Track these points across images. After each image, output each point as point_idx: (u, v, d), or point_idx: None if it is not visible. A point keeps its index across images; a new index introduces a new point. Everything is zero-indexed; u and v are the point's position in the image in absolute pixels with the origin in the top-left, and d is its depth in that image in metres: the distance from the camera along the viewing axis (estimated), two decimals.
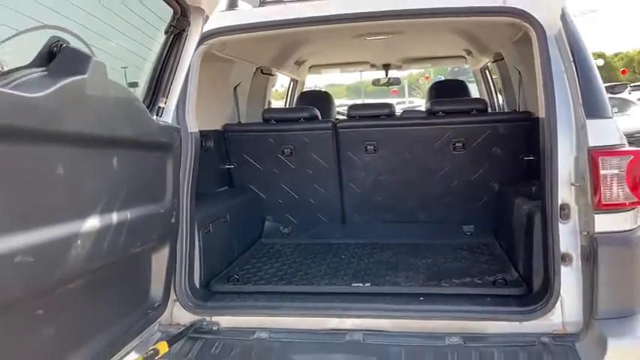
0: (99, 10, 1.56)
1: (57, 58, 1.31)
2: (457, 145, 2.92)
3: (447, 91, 3.83)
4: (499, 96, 4.17)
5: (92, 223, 1.39)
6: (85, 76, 1.30)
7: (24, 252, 1.12)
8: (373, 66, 5.07)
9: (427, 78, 21.92)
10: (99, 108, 1.39)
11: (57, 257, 1.26)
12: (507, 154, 2.86)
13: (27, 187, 1.16)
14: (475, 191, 2.96)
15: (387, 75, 5.06)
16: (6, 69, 1.21)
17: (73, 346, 1.41)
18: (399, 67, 5.06)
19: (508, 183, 2.82)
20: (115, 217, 1.50)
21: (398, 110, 3.71)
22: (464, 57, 4.49)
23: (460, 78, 5.70)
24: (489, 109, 4.45)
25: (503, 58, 3.47)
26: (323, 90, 5.42)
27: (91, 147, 1.39)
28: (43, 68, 1.27)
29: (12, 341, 1.18)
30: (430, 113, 3.02)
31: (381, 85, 5.35)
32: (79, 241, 1.32)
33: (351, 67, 5.38)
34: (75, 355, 1.40)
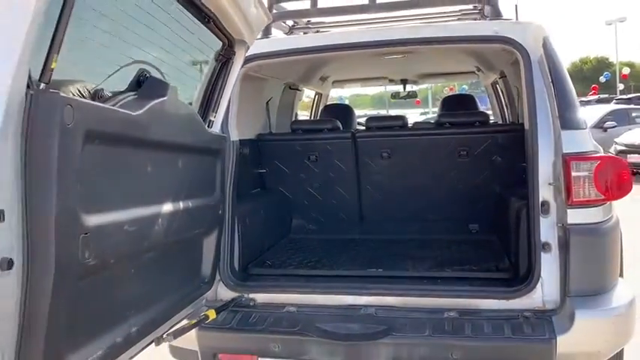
0: (169, 47, 2.03)
1: (144, 85, 1.77)
2: (462, 153, 3.30)
3: (456, 104, 4.22)
4: (506, 109, 4.55)
5: (167, 207, 1.85)
6: (164, 98, 1.76)
7: (129, 223, 1.58)
8: (392, 81, 5.50)
9: (452, 89, 22.23)
10: (173, 122, 1.86)
11: (146, 229, 1.71)
12: (506, 161, 3.22)
13: (129, 177, 1.62)
14: (479, 193, 3.33)
15: (404, 89, 5.48)
16: (109, 94, 1.67)
17: (148, 300, 1.85)
18: (415, 82, 5.47)
19: (507, 186, 3.17)
20: (181, 204, 1.96)
21: (411, 122, 4.11)
22: (475, 73, 4.87)
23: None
24: (500, 121, 4.83)
25: (506, 76, 3.86)
26: (344, 104, 5.86)
27: (166, 151, 1.85)
28: (135, 93, 1.73)
29: (115, 286, 1.63)
30: (438, 125, 3.43)
31: (400, 98, 5.79)
32: (159, 220, 1.78)
33: (371, 82, 5.82)
34: (148, 308, 1.85)
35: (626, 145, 12.26)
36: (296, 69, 3.93)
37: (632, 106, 17.87)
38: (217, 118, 2.45)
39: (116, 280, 1.61)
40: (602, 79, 51.39)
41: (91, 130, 1.34)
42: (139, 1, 1.73)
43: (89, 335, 1.49)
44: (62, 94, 1.28)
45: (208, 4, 2.01)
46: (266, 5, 2.80)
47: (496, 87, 4.75)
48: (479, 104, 4.43)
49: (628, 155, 12.16)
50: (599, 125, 14.38)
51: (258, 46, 2.74)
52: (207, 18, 2.07)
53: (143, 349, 1.90)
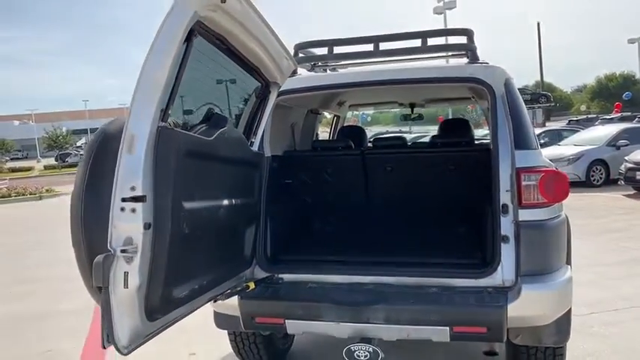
0: (226, 90, 2.87)
1: (212, 119, 2.61)
2: (450, 167, 4.04)
3: (450, 127, 4.98)
4: None
5: (225, 202, 2.69)
6: (225, 128, 2.60)
7: (203, 209, 2.40)
8: (401, 105, 6.30)
9: (473, 107, 22.94)
10: (230, 143, 2.69)
11: (212, 215, 2.54)
12: (480, 174, 3.84)
13: (205, 180, 2.45)
14: (460, 199, 4.03)
15: (412, 112, 6.27)
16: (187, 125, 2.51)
17: (211, 265, 2.66)
18: (422, 106, 6.25)
19: (480, 193, 3.73)
20: (233, 201, 2.80)
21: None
22: (471, 99, 5.62)
23: None
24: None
25: None
26: (357, 126, 6.64)
27: (226, 163, 2.68)
28: (206, 124, 2.57)
29: (195, 250, 2.44)
30: (432, 144, 4.20)
31: (410, 120, 6.58)
32: (220, 209, 2.62)
33: (383, 106, 6.62)
34: (211, 271, 2.66)
35: (635, 163, 12.64)
36: (316, 99, 4.75)
37: None
38: (256, 140, 3.28)
39: (196, 246, 2.43)
40: (624, 97, 51.22)
41: (188, 150, 2.18)
42: (210, 62, 2.57)
43: (182, 279, 2.31)
44: (175, 129, 2.12)
45: (253, 60, 2.84)
46: (292, 51, 3.64)
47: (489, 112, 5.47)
48: (472, 128, 5.15)
49: (637, 172, 12.63)
50: (612, 143, 14.88)
51: (286, 84, 3.52)
52: (252, 70, 2.91)
53: (207, 302, 2.71)
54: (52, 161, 50.17)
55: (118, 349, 2.02)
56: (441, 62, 4.06)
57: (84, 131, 66.40)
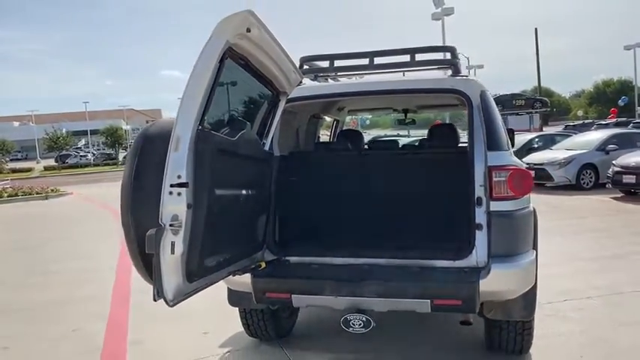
0: (245, 99, 3.43)
1: (233, 123, 3.16)
2: (435, 166, 4.56)
3: (438, 131, 5.51)
4: None
5: (243, 191, 3.24)
6: (244, 130, 3.16)
7: (228, 196, 2.95)
8: (395, 110, 6.85)
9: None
10: (247, 143, 3.25)
11: (234, 201, 3.10)
12: (460, 172, 4.23)
13: (229, 172, 3.00)
14: (446, 194, 4.54)
15: (406, 117, 6.81)
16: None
17: (232, 243, 3.23)
18: (414, 112, 6.81)
19: (460, 188, 4.11)
20: (250, 191, 3.36)
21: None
22: (459, 106, 6.16)
23: None
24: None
25: None
26: (355, 129, 7.19)
27: (244, 159, 3.24)
28: (228, 127, 3.12)
29: (221, 228, 2.99)
30: (420, 146, 4.74)
31: (404, 124, 7.13)
32: (240, 198, 3.20)
33: (379, 111, 7.19)
34: (232, 248, 3.23)
35: (622, 167, 13.17)
36: (318, 105, 5.30)
37: (634, 130, 18.87)
38: (267, 141, 3.83)
39: (222, 226, 2.98)
40: (620, 102, 51.89)
41: (219, 149, 2.73)
42: (234, 77, 3.12)
43: (212, 251, 2.86)
44: (209, 131, 2.67)
45: (267, 74, 3.40)
46: (298, 63, 4.18)
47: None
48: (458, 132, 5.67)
49: (623, 176, 13.17)
50: (601, 148, 15.43)
51: (293, 93, 4.05)
52: (266, 82, 3.47)
53: (227, 275, 3.26)
54: (51, 162, 50.61)
55: (166, 302, 2.57)
56: (430, 74, 4.58)
57: (84, 132, 66.81)
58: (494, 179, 3.55)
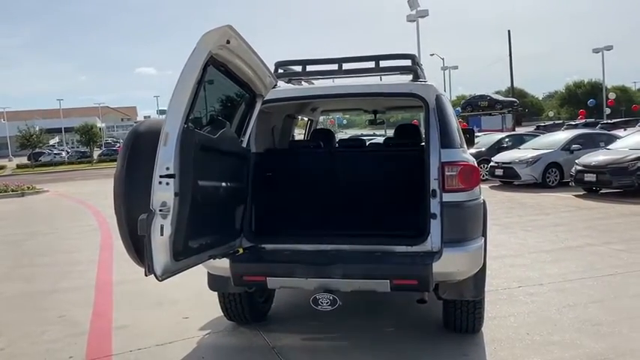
0: (224, 101, 3.82)
1: (214, 122, 3.55)
2: (398, 162, 5.01)
3: (403, 131, 5.96)
4: None
5: (223, 183, 3.62)
6: (224, 129, 3.55)
7: (209, 187, 3.35)
8: (366, 111, 7.30)
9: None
10: (227, 140, 3.64)
11: (214, 192, 3.49)
12: (419, 167, 4.52)
13: (210, 165, 3.38)
14: (405, 187, 4.95)
15: (375, 117, 7.26)
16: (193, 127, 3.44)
17: (212, 229, 3.61)
18: (383, 113, 7.27)
19: (418, 181, 4.44)
20: (229, 183, 3.74)
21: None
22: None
23: None
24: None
25: None
26: (327, 129, 7.62)
27: (225, 155, 3.63)
28: (210, 126, 3.50)
29: (203, 216, 3.37)
30: (385, 145, 5.19)
31: (374, 124, 7.60)
32: (220, 189, 3.57)
33: (351, 112, 7.63)
34: (212, 233, 3.61)
35: (584, 166, 13.83)
36: (292, 106, 5.70)
37: (597, 131, 19.71)
38: (245, 138, 4.22)
39: (204, 214, 3.36)
40: (589, 104, 53.45)
41: (202, 145, 3.12)
42: (215, 81, 3.51)
43: (195, 235, 3.25)
44: (195, 129, 3.06)
45: (244, 78, 3.79)
46: (273, 67, 4.57)
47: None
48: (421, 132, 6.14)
49: (585, 174, 13.86)
50: (566, 147, 16.14)
51: (268, 95, 4.43)
52: (243, 85, 3.86)
53: (208, 258, 3.65)
54: (24, 160, 49.83)
55: (156, 277, 2.96)
56: (394, 78, 5.00)
57: (58, 130, 65.89)
58: (447, 173, 3.99)
